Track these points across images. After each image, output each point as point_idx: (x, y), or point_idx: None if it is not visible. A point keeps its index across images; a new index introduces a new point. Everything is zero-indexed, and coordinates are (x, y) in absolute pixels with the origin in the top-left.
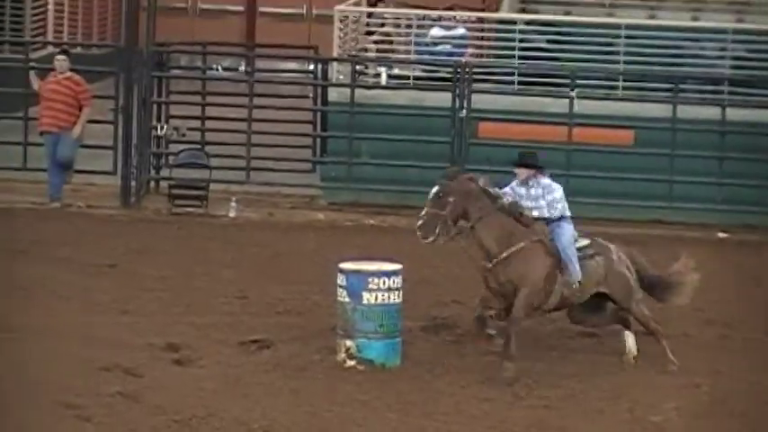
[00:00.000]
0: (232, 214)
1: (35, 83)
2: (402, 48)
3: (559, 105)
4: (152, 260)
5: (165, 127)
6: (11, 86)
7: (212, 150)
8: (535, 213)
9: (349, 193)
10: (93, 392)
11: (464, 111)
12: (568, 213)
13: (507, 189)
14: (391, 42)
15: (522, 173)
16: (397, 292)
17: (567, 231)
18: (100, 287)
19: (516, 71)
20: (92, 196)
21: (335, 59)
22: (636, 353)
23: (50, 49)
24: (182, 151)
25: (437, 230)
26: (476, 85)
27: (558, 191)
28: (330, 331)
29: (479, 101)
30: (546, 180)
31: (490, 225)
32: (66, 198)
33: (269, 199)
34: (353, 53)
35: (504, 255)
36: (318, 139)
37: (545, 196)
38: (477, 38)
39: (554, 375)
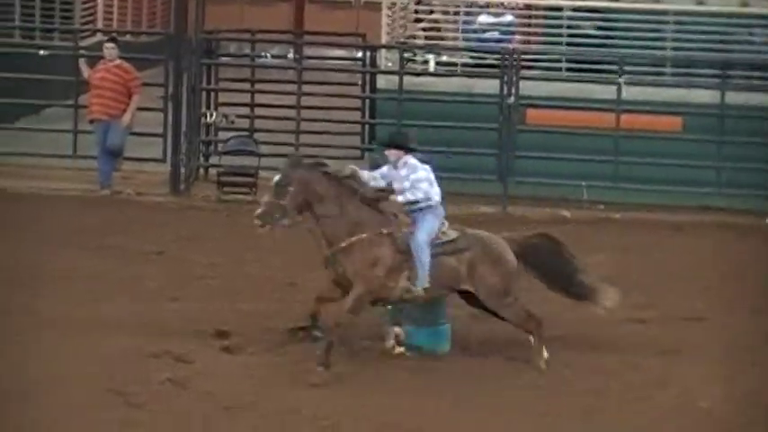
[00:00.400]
0: None
1: (85, 71)
2: (450, 35)
3: (607, 92)
4: (201, 247)
5: (215, 114)
6: (61, 74)
7: (261, 137)
8: (402, 198)
9: None
10: (143, 380)
11: (512, 98)
12: (437, 199)
13: (377, 173)
14: (439, 29)
15: (392, 154)
16: None
17: (427, 226)
18: (149, 274)
19: (564, 58)
20: (141, 184)
21: (384, 47)
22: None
23: (100, 36)
24: (231, 138)
25: (275, 219)
26: (524, 72)
27: (422, 171)
28: (379, 318)
29: (527, 87)
30: (413, 161)
31: (335, 214)
32: (116, 185)
33: None
34: (402, 40)
35: (343, 244)
36: (367, 127)
37: (409, 176)
38: (525, 24)
39: (601, 362)
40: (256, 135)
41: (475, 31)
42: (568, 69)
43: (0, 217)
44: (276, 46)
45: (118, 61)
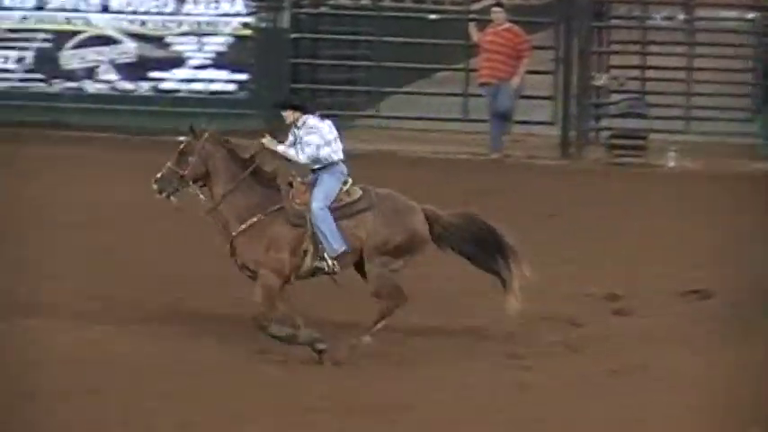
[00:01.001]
0: (671, 164)
1: (474, 34)
2: None
3: None
4: (591, 210)
5: (604, 77)
6: (451, 38)
7: (652, 100)
8: (302, 157)
9: None
10: (535, 342)
11: None
12: (335, 158)
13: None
14: None
15: (288, 115)
16: None
17: (321, 194)
18: (538, 237)
19: None
20: (531, 147)
21: None
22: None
23: (491, 0)
24: (621, 101)
25: (172, 187)
26: None
27: (316, 132)
28: None
29: None
30: (313, 121)
31: (235, 197)
32: (507, 149)
33: (708, 148)
34: None
35: (234, 233)
36: (759, 88)
37: (304, 137)
38: None
39: None
40: (647, 97)
41: None
42: None
43: (387, 181)
44: (666, 7)
45: (507, 24)
